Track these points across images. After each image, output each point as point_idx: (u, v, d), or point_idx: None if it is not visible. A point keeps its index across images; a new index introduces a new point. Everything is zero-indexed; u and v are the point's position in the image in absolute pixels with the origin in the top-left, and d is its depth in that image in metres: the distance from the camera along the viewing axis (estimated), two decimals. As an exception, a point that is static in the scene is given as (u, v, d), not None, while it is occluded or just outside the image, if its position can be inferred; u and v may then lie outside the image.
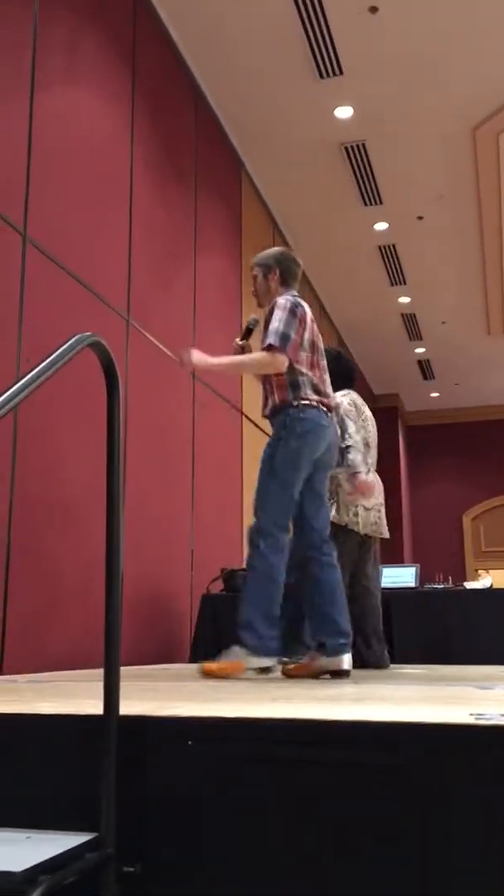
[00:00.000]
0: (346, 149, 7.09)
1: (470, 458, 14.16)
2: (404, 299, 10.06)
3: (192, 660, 4.92)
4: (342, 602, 3.27)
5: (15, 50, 3.91)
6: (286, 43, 5.83)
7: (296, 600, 3.43)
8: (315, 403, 3.30)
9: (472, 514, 14.23)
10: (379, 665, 4.19)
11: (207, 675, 3.05)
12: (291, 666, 3.29)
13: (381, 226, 8.37)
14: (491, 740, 1.29)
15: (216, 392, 6.20)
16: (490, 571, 12.97)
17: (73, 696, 2.05)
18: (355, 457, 4.09)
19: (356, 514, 4.16)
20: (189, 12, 5.54)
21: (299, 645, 3.87)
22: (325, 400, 3.36)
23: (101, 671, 1.53)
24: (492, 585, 5.65)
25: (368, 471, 4.18)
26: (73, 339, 1.43)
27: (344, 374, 4.33)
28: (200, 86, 6.23)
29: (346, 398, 4.27)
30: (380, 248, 8.82)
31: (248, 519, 4.04)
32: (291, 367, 3.30)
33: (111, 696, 1.43)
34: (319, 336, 3.47)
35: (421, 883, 1.27)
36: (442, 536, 14.11)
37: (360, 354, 11.95)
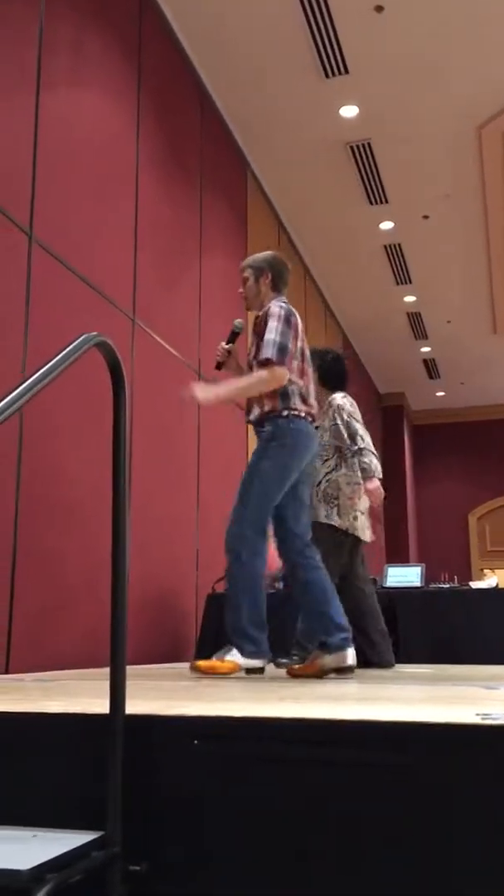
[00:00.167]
0: (352, 148, 7.09)
1: (475, 457, 14.15)
2: (410, 298, 10.05)
3: (198, 659, 4.92)
4: (336, 599, 3.27)
5: (20, 49, 3.92)
6: (291, 42, 5.83)
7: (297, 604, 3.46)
8: (303, 414, 3.32)
9: (478, 514, 14.22)
10: (384, 663, 4.18)
11: (199, 672, 3.07)
12: (297, 666, 3.30)
13: (386, 225, 8.37)
14: (497, 740, 1.29)
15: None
16: (496, 571, 12.96)
17: (79, 695, 2.06)
18: (371, 460, 4.09)
19: (355, 519, 4.16)
20: (194, 11, 5.54)
21: (301, 649, 3.89)
22: (312, 410, 3.39)
23: (107, 671, 1.53)
24: (497, 585, 5.64)
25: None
26: (79, 339, 1.43)
27: (341, 376, 4.33)
28: (206, 85, 6.23)
29: (346, 400, 4.27)
30: (385, 247, 8.81)
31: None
32: None
33: (117, 695, 1.43)
34: (305, 341, 3.48)
35: (428, 883, 1.27)
36: (447, 536, 14.10)
37: (366, 354, 11.95)
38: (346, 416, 4.15)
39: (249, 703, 1.75)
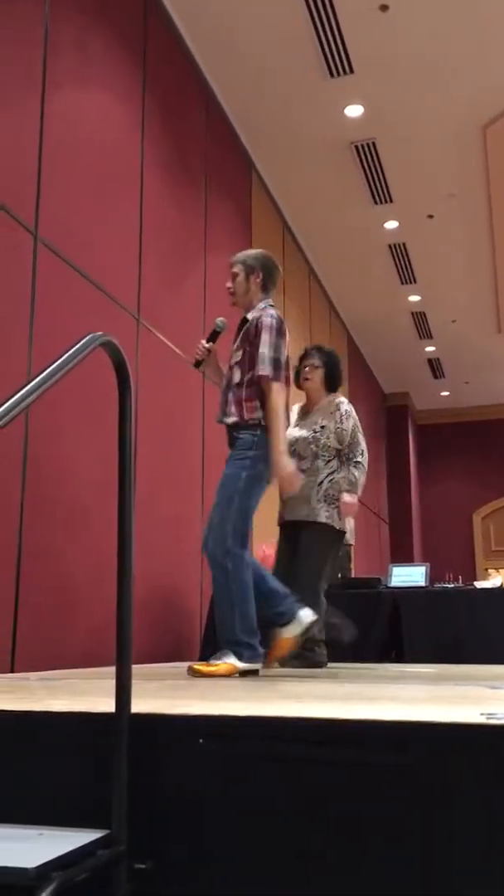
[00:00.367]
0: (357, 147, 7.09)
1: (480, 457, 14.13)
2: (414, 298, 10.04)
3: (202, 658, 4.93)
4: (262, 574, 3.31)
5: (25, 50, 3.92)
6: (296, 41, 5.83)
7: None
8: None
9: (483, 514, 14.20)
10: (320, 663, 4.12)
11: (198, 675, 3.07)
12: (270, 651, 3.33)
13: (391, 224, 8.36)
14: (501, 740, 1.29)
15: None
16: (500, 571, 12.94)
17: (85, 694, 2.06)
18: (360, 477, 4.11)
19: (346, 522, 4.21)
20: (199, 12, 5.54)
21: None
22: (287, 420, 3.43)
23: (111, 670, 1.54)
24: (502, 585, 5.64)
25: None
26: (85, 339, 1.43)
27: (339, 377, 4.31)
28: (211, 85, 6.23)
29: (351, 407, 4.23)
30: (390, 246, 8.80)
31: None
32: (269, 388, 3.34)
33: (123, 694, 1.43)
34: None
35: (430, 883, 1.27)
36: (452, 536, 14.08)
37: (370, 353, 11.94)
38: (352, 425, 4.15)
39: (253, 703, 1.76)
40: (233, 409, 3.34)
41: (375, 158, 7.23)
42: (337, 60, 6.00)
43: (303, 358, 4.23)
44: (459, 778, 1.29)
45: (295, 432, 4.09)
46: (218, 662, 3.12)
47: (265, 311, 3.38)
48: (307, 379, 4.17)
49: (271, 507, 4.11)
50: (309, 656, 3.92)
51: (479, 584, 5.76)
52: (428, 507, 14.42)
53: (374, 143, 7.03)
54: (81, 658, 3.91)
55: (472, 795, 1.28)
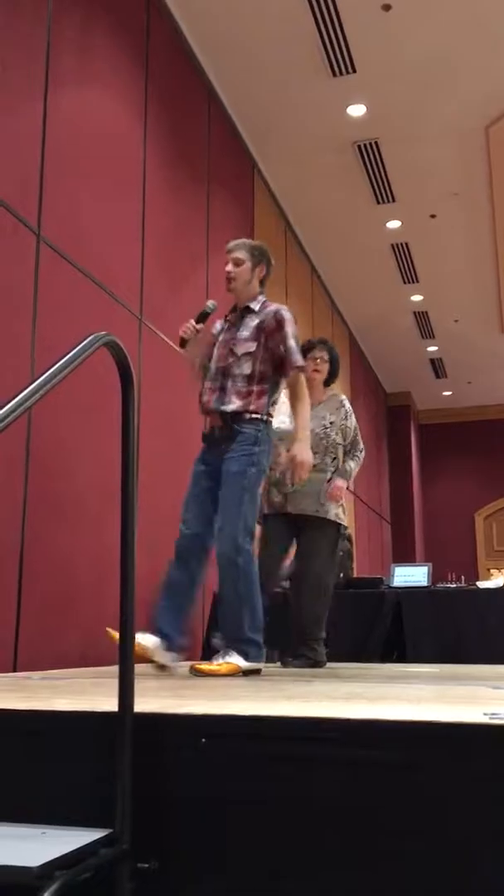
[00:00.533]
0: (359, 147, 7.08)
1: (482, 456, 14.12)
2: (417, 297, 10.04)
3: (205, 658, 4.93)
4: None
5: (28, 50, 3.93)
6: (299, 41, 5.83)
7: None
8: (273, 419, 3.42)
9: (485, 513, 14.19)
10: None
11: (201, 674, 3.06)
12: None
13: (393, 224, 8.36)
14: (505, 740, 1.29)
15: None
16: (502, 570, 12.94)
17: (87, 693, 2.07)
18: (355, 469, 4.22)
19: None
20: (201, 11, 5.54)
21: (310, 649, 3.93)
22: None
23: (114, 669, 1.54)
24: (504, 585, 5.64)
25: None
26: (88, 339, 1.43)
27: (338, 372, 4.35)
28: (213, 84, 6.23)
29: (348, 401, 4.31)
30: (392, 246, 8.80)
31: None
32: (276, 379, 3.39)
33: (126, 693, 1.43)
34: None
35: (434, 882, 1.27)
36: (454, 535, 14.08)
37: (372, 353, 11.94)
38: (354, 422, 4.23)
39: (257, 702, 1.76)
40: (234, 398, 3.31)
41: (378, 158, 7.22)
42: (340, 60, 5.99)
43: (310, 349, 4.21)
44: (464, 777, 1.29)
45: (287, 424, 4.10)
46: (221, 662, 3.12)
47: (278, 306, 3.44)
48: (317, 371, 4.17)
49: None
50: (310, 655, 3.92)
51: (481, 584, 5.76)
52: (430, 506, 14.42)
53: (376, 143, 7.02)
54: (83, 657, 3.92)
55: (476, 795, 1.28)
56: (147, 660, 3.16)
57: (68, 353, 1.38)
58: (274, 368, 3.36)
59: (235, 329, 3.42)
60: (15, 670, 3.47)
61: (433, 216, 8.22)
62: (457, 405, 14.18)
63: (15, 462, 3.61)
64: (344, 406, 4.18)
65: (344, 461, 4.15)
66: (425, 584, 5.42)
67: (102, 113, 4.59)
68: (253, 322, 3.40)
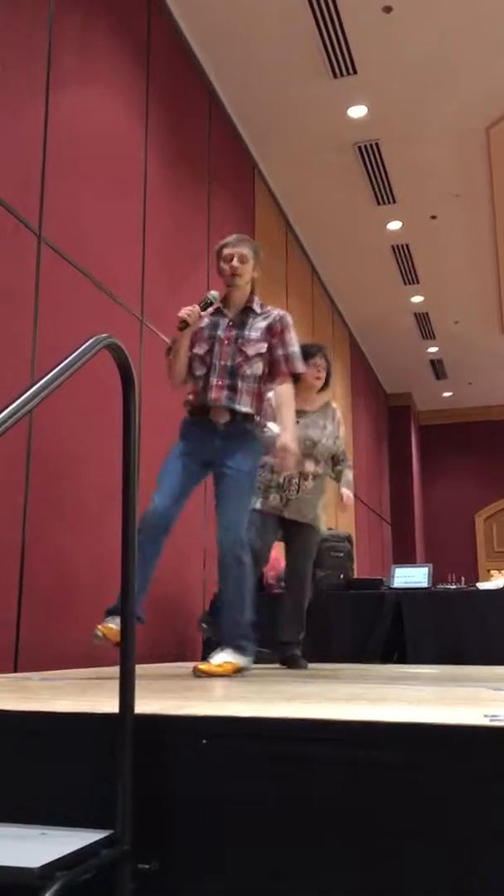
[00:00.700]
0: (360, 148, 7.09)
1: (483, 457, 14.12)
2: (417, 298, 10.04)
3: (205, 658, 4.94)
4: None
5: (29, 50, 3.93)
6: (300, 42, 5.83)
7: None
8: None
9: (485, 514, 14.19)
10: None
11: (204, 674, 3.07)
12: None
13: (394, 225, 8.36)
14: (505, 741, 1.29)
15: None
16: (503, 571, 12.94)
17: (87, 694, 2.07)
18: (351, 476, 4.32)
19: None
20: (202, 12, 5.54)
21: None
22: None
23: (115, 670, 1.54)
24: (504, 586, 5.64)
25: None
26: (89, 341, 1.44)
27: (331, 378, 4.38)
28: (214, 85, 6.24)
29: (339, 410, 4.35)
30: (393, 247, 8.80)
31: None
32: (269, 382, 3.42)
33: (126, 694, 1.44)
34: None
35: (434, 882, 1.27)
36: (454, 536, 14.08)
37: (373, 354, 11.94)
38: (343, 430, 4.28)
39: (258, 704, 1.76)
40: (247, 398, 3.33)
41: (379, 159, 7.23)
42: (340, 61, 6.00)
43: (311, 355, 4.20)
44: (464, 778, 1.29)
45: (303, 430, 4.10)
46: (221, 662, 3.12)
47: (281, 311, 3.48)
48: (318, 378, 4.18)
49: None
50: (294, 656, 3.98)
51: (481, 586, 5.75)
52: (430, 507, 14.42)
53: (377, 144, 7.03)
54: (84, 658, 3.92)
55: (476, 796, 1.28)
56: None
57: (69, 356, 1.39)
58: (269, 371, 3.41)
59: (239, 328, 3.40)
60: (15, 671, 3.47)
61: (434, 217, 8.22)
62: (457, 406, 14.18)
63: (16, 462, 3.62)
64: (336, 414, 4.25)
65: (342, 470, 4.24)
66: (425, 585, 5.42)
67: (103, 113, 4.60)
68: (260, 323, 3.40)
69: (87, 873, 1.23)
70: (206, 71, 6.09)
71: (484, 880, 1.25)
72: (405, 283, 9.61)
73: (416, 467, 13.90)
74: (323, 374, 4.20)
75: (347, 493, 4.21)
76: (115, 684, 1.47)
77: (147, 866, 1.37)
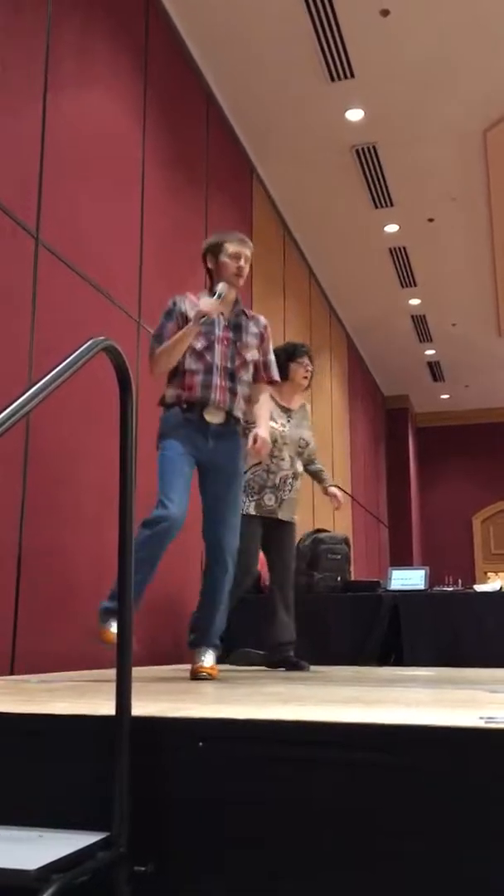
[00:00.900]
0: (357, 151, 7.10)
1: (480, 460, 14.14)
2: (414, 301, 10.05)
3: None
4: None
5: (28, 52, 3.93)
6: (297, 45, 5.84)
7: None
8: None
9: (482, 517, 14.20)
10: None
11: (208, 675, 3.10)
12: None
13: (391, 228, 8.37)
14: (501, 743, 1.29)
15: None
16: (500, 574, 12.95)
17: (85, 696, 2.07)
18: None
19: None
20: (200, 15, 5.55)
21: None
22: None
23: (112, 672, 1.54)
24: (501, 588, 5.64)
25: None
26: (86, 344, 1.44)
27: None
28: (212, 88, 6.25)
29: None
30: (390, 250, 8.81)
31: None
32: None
33: (123, 696, 1.44)
34: None
35: (430, 884, 1.27)
36: (451, 539, 14.09)
37: (370, 356, 11.95)
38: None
39: (255, 706, 1.76)
40: (242, 403, 3.38)
41: (376, 162, 7.24)
42: (338, 64, 6.01)
43: (300, 355, 4.21)
44: (460, 781, 1.29)
45: (295, 430, 4.12)
46: (211, 663, 3.19)
47: (262, 316, 3.56)
48: (306, 377, 4.21)
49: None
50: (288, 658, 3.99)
51: (478, 588, 5.75)
52: (427, 510, 14.43)
53: (374, 147, 7.04)
54: (81, 660, 3.91)
55: (473, 798, 1.28)
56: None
57: (67, 358, 1.39)
58: None
59: (235, 330, 3.39)
60: (12, 673, 3.47)
61: (431, 220, 8.23)
62: (455, 408, 14.20)
63: (13, 464, 3.62)
64: (308, 415, 4.28)
65: (321, 470, 4.31)
66: (422, 587, 5.42)
67: (101, 115, 4.60)
68: (253, 329, 3.42)
69: (84, 875, 1.23)
70: (204, 74, 6.10)
71: (482, 881, 1.26)
72: (403, 286, 9.62)
73: (414, 469, 13.91)
74: (310, 374, 4.23)
75: (339, 492, 4.28)
76: (112, 686, 1.47)
77: (143, 868, 1.37)
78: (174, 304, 3.43)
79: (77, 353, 1.41)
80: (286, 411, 4.12)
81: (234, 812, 1.38)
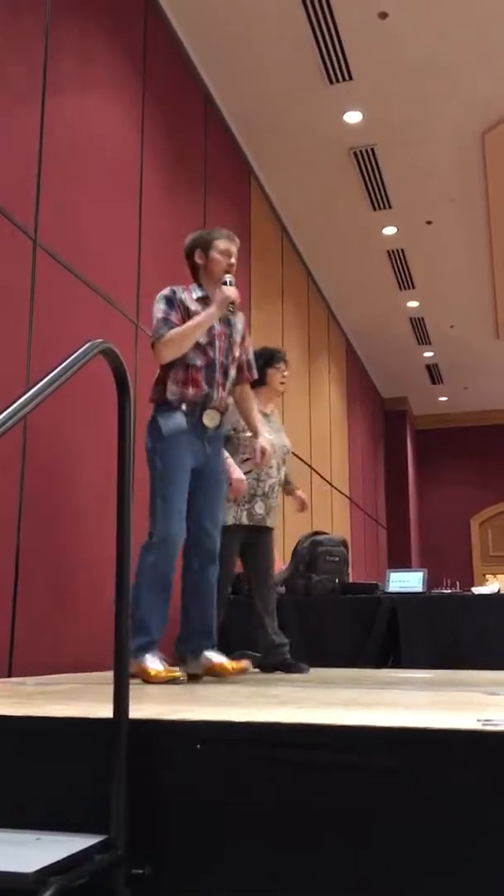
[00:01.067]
0: (356, 153, 7.11)
1: (478, 462, 14.15)
2: (413, 303, 10.06)
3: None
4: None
5: (26, 54, 3.94)
6: (296, 48, 5.85)
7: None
8: None
9: (480, 519, 14.21)
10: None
11: (227, 673, 3.15)
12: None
13: (389, 230, 8.38)
14: (499, 746, 1.29)
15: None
16: (498, 576, 12.95)
17: (82, 699, 2.07)
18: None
19: None
20: (199, 18, 5.56)
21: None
22: None
23: (109, 674, 1.54)
24: (499, 590, 5.65)
25: None
26: (84, 347, 1.44)
27: None
28: (210, 90, 6.25)
29: None
30: (388, 252, 8.82)
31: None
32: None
33: (121, 699, 1.44)
34: None
35: (429, 885, 1.27)
36: (450, 541, 14.09)
37: (369, 358, 11.96)
38: None
39: (253, 708, 1.76)
40: (228, 401, 3.39)
41: (374, 164, 7.24)
42: (336, 67, 6.02)
43: (278, 361, 4.19)
44: (458, 783, 1.29)
45: (277, 437, 4.12)
46: (231, 661, 3.19)
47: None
48: (283, 382, 4.21)
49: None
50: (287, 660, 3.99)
51: (476, 590, 5.76)
52: (426, 512, 14.43)
53: (373, 150, 7.05)
54: (79, 663, 3.91)
55: (472, 800, 1.28)
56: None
57: (65, 361, 1.39)
58: None
59: (227, 326, 3.36)
60: (10, 676, 3.47)
61: (429, 222, 8.24)
62: (453, 410, 14.21)
63: (11, 467, 3.61)
64: (280, 419, 4.33)
65: (288, 472, 4.28)
66: (421, 589, 5.43)
67: (100, 118, 4.61)
68: (239, 325, 3.41)
69: (82, 878, 1.23)
70: (203, 76, 6.10)
71: (482, 882, 1.26)
72: (401, 288, 9.63)
73: (412, 472, 13.91)
74: (286, 381, 4.23)
75: (302, 494, 4.35)
76: (110, 689, 1.47)
77: (141, 871, 1.37)
78: (173, 292, 3.34)
79: (75, 355, 1.42)
80: (265, 416, 4.11)
81: (232, 814, 1.38)
